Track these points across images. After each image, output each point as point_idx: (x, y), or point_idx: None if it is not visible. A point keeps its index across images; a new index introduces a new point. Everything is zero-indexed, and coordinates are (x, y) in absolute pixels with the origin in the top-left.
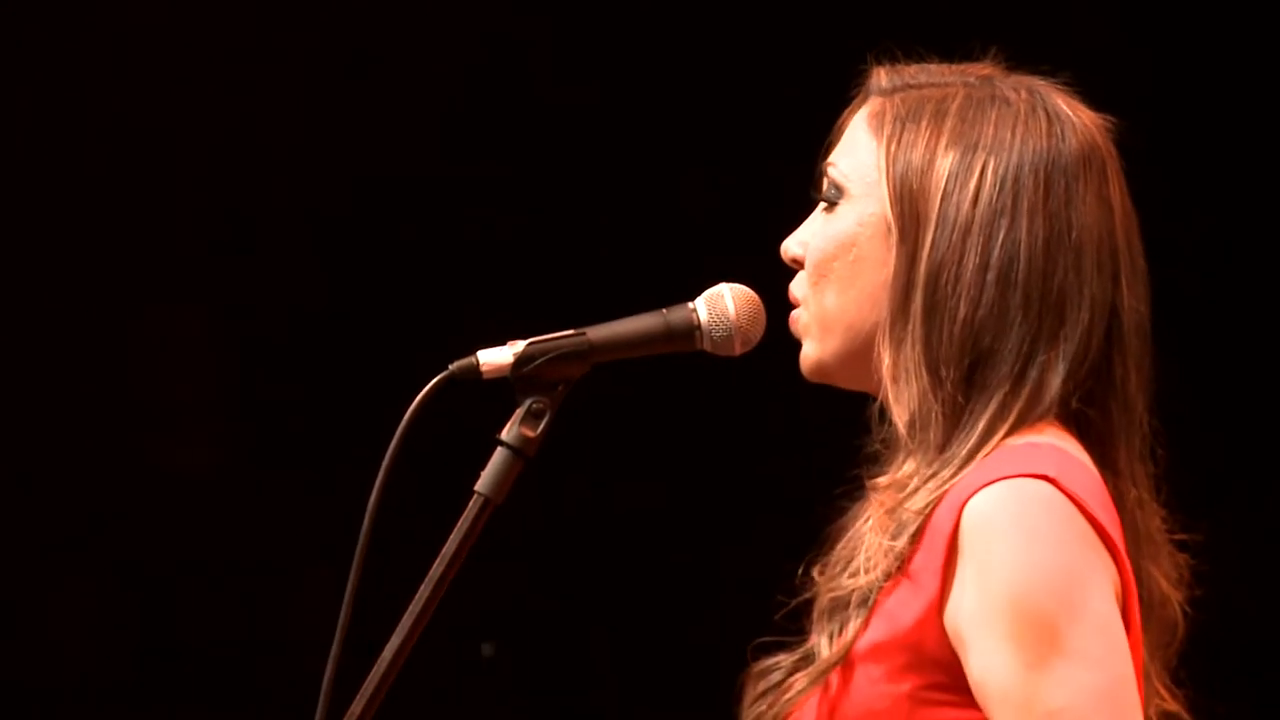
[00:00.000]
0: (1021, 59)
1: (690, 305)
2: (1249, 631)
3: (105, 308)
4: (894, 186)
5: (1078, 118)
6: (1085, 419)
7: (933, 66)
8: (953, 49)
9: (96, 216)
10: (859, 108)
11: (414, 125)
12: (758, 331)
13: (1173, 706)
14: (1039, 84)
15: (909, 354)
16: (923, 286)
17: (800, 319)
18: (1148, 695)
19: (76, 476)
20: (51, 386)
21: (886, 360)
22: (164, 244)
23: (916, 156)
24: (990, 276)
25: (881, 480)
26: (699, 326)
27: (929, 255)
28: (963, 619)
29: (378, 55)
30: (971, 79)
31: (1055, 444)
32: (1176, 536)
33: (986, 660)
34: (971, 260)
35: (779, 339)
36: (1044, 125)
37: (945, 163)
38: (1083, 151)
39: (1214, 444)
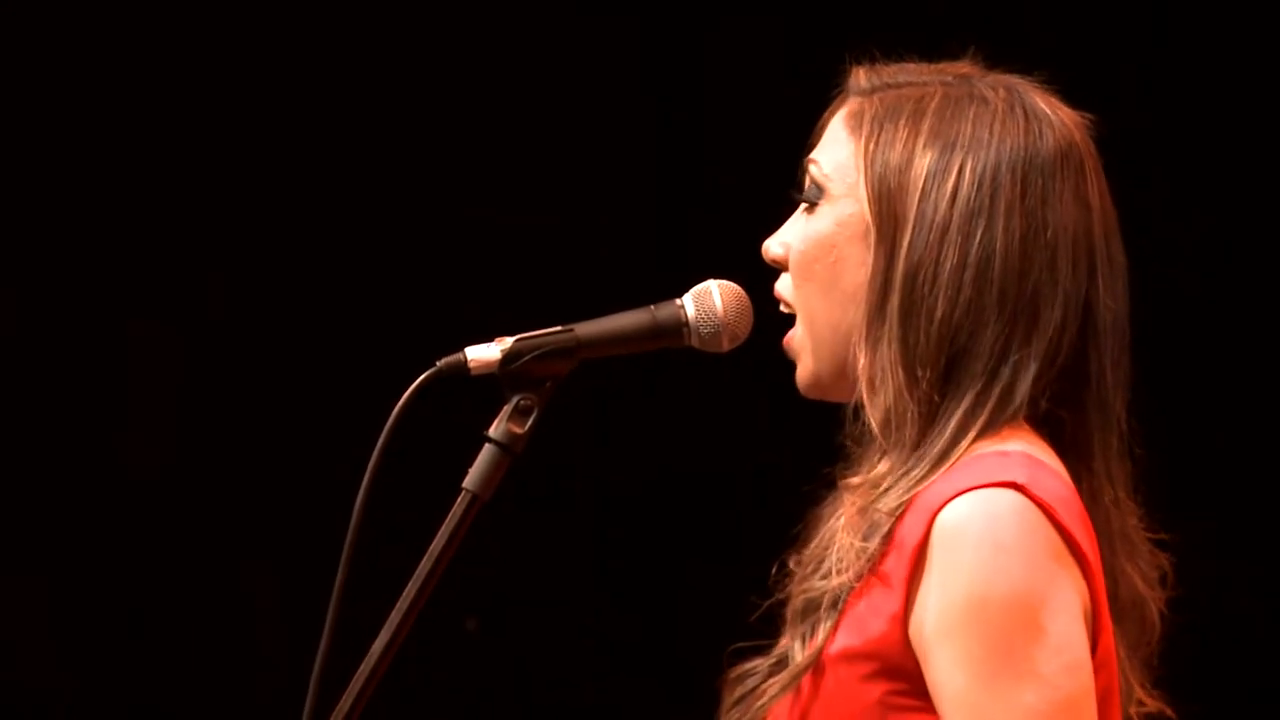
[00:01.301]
0: (1023, 59)
1: (678, 301)
2: (1247, 632)
3: (100, 306)
4: (872, 186)
5: (1056, 115)
6: (1058, 420)
7: (911, 66)
8: (951, 48)
9: (89, 215)
10: (839, 108)
11: (414, 125)
12: (745, 328)
13: (1152, 706)
14: (1017, 82)
15: (885, 353)
16: (900, 286)
17: (794, 339)
18: (1125, 695)
19: (69, 479)
20: (47, 386)
21: (863, 361)
22: (162, 242)
23: (894, 156)
24: (968, 275)
25: (854, 480)
26: (686, 323)
27: (907, 255)
28: (926, 628)
29: (378, 55)
30: (949, 78)
31: (1025, 450)
32: (1155, 536)
33: (943, 669)
34: (949, 259)
35: (767, 335)
36: (1021, 124)
37: (923, 162)
38: (1060, 149)
39: (1214, 444)
